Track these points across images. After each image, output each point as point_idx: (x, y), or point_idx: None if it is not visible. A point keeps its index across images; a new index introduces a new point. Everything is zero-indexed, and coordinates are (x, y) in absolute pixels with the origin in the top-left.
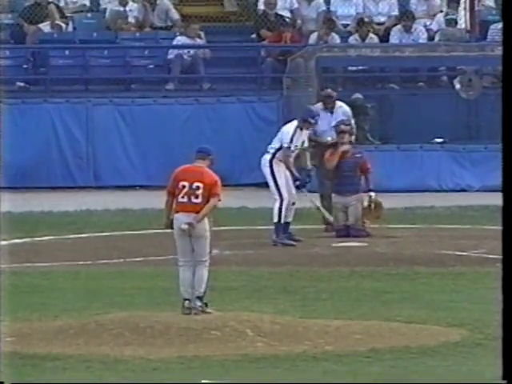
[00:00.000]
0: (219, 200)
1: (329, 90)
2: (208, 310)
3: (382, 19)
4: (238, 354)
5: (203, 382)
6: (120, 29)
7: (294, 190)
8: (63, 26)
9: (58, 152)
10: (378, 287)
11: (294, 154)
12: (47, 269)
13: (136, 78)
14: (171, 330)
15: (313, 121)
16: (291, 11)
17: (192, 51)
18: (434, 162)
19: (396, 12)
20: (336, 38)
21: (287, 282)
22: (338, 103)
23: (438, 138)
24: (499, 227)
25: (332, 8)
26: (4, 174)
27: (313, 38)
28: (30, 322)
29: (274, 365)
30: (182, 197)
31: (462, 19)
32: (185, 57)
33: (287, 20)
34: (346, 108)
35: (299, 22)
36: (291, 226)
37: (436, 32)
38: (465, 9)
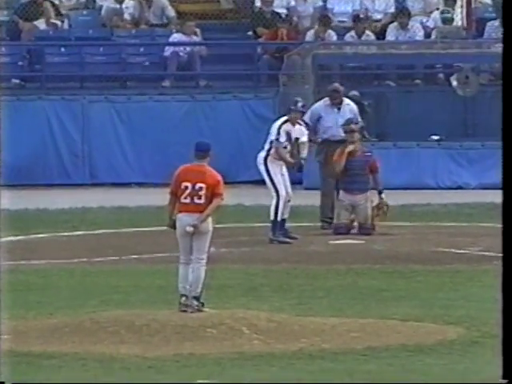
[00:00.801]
0: (222, 199)
1: (336, 85)
2: (204, 309)
3: (379, 16)
4: (234, 352)
5: (199, 381)
6: (116, 26)
7: (290, 189)
8: (59, 23)
9: (54, 149)
10: (375, 285)
11: (287, 150)
12: (43, 266)
13: (132, 75)
14: (167, 328)
15: (294, 107)
16: (287, 8)
17: (188, 48)
18: (430, 159)
19: (392, 9)
20: (332, 35)
21: (283, 279)
22: (346, 100)
23: (434, 135)
24: (496, 225)
25: (328, 5)
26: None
27: (309, 35)
28: (25, 319)
29: (270, 363)
30: (185, 198)
31: (459, 16)
32: (181, 54)
33: (283, 17)
34: (353, 106)
35: (295, 19)
36: (287, 224)
37: (432, 29)
38: (461, 6)
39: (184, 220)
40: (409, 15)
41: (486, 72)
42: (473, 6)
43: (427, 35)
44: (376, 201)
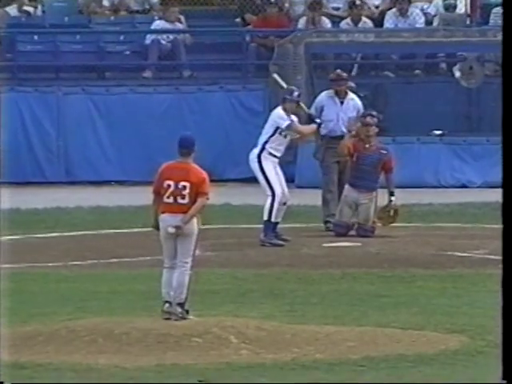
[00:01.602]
0: (207, 199)
1: (338, 71)
2: (189, 316)
3: (376, 2)
4: (221, 363)
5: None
6: (93, 12)
7: (286, 189)
8: (32, 9)
9: (27, 145)
10: (372, 290)
11: (286, 140)
12: (14, 270)
13: (111, 66)
14: (149, 337)
15: (290, 96)
16: None
17: (171, 36)
18: (432, 155)
19: None
20: (327, 23)
21: (274, 284)
22: (350, 94)
23: (436, 129)
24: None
25: None
26: None
27: (302, 22)
28: None
29: (259, 374)
30: (168, 197)
31: (462, 2)
32: (163, 42)
33: (274, 3)
34: (358, 102)
35: (287, 5)
36: (279, 225)
37: (434, 16)
38: None
39: (167, 221)
40: (409, 1)
41: (491, 62)
42: None
43: (428, 22)
44: (385, 203)
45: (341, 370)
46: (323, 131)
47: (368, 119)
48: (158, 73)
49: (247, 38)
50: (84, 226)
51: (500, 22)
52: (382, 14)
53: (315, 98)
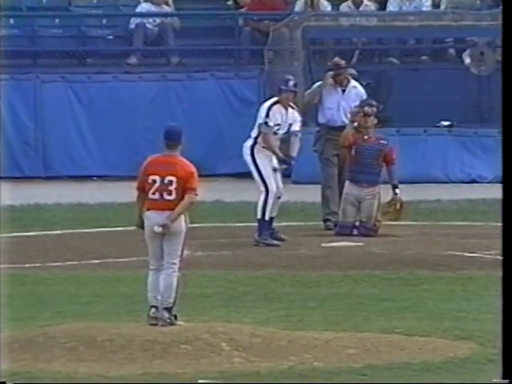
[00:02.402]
0: (196, 195)
1: (336, 59)
2: (178, 322)
3: None
4: (212, 372)
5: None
6: None
7: (281, 183)
8: None
9: (1, 136)
10: (375, 294)
11: (278, 137)
12: None
13: (93, 51)
14: (134, 344)
15: (285, 87)
16: None
17: (158, 20)
18: (439, 148)
19: None
20: (326, 5)
21: (269, 287)
22: (353, 82)
23: (444, 120)
24: None
25: None
26: None
27: (299, 4)
28: None
29: None
30: (153, 193)
31: None
32: (150, 26)
33: None
34: (361, 90)
35: None
36: (275, 223)
37: None
38: None
39: (152, 219)
40: None
41: None
42: None
43: (436, 5)
44: (389, 197)
45: (341, 379)
46: (322, 120)
47: (366, 109)
48: (144, 59)
49: (240, 22)
50: (64, 225)
51: None
52: None
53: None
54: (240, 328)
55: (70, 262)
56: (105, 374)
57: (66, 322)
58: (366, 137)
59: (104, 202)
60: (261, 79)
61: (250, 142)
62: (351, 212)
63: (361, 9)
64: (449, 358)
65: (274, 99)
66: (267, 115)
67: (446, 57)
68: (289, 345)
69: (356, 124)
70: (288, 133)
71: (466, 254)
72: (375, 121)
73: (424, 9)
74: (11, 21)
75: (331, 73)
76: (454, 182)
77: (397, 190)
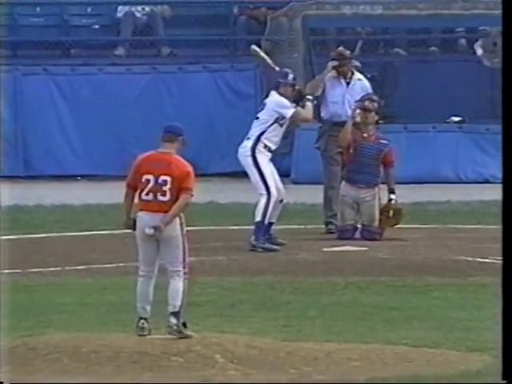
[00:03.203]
0: (192, 195)
1: (340, 48)
2: (187, 332)
3: None
4: None
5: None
6: None
7: (281, 184)
8: None
9: None
10: (380, 302)
11: (282, 130)
12: None
13: (77, 42)
14: (122, 356)
15: (284, 80)
16: None
17: (147, 8)
18: (449, 145)
19: None
20: None
21: (267, 295)
22: (357, 75)
23: (454, 116)
24: None
25: None
26: None
27: None
28: None
29: None
30: (147, 194)
31: None
32: (138, 15)
33: None
34: (366, 82)
35: None
36: (273, 226)
37: None
38: None
39: (145, 220)
40: None
41: None
42: None
43: None
44: (384, 202)
45: None
46: (325, 115)
47: (367, 104)
48: (132, 50)
49: (235, 10)
50: (46, 228)
51: None
52: None
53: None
54: (235, 339)
55: (52, 268)
56: None
57: (49, 332)
58: (365, 134)
59: (89, 204)
60: (257, 71)
61: (250, 143)
62: (350, 214)
63: None
64: (460, 371)
65: (276, 93)
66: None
67: (456, 48)
68: (287, 357)
69: (356, 119)
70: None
71: (478, 260)
72: (376, 117)
73: None
74: None
75: (334, 62)
76: (465, 183)
77: (392, 196)
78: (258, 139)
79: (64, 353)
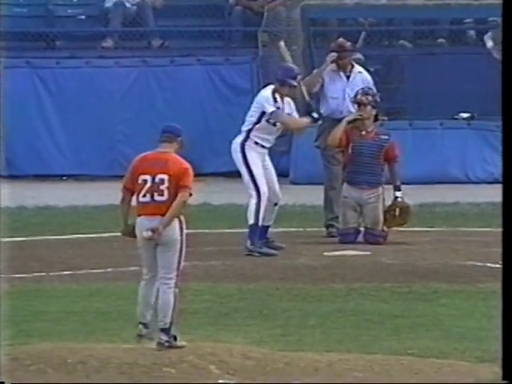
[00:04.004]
0: (190, 194)
1: (341, 40)
2: (179, 343)
3: None
4: None
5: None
6: None
7: (277, 186)
8: None
9: None
10: (385, 310)
11: (276, 129)
12: None
13: (62, 33)
14: (110, 367)
15: (294, 82)
16: None
17: None
18: (458, 143)
19: None
20: None
21: (264, 303)
22: (357, 67)
23: (463, 112)
24: None
25: None
26: None
27: None
28: None
29: None
30: (144, 195)
31: None
32: (128, 5)
33: None
34: (367, 75)
35: None
36: (270, 229)
37: None
38: None
39: (143, 225)
40: None
41: None
42: None
43: None
44: (390, 201)
45: None
46: (325, 112)
47: (359, 97)
48: (121, 42)
49: (230, 0)
50: (29, 231)
51: None
52: None
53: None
54: (230, 349)
55: (35, 274)
56: None
57: (32, 341)
58: (363, 132)
59: (75, 205)
60: (254, 65)
61: (240, 138)
62: (352, 217)
63: None
64: (469, 382)
65: (272, 87)
66: (275, 101)
67: (465, 40)
68: (286, 368)
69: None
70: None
71: (489, 265)
72: (373, 111)
73: None
74: None
75: (333, 54)
76: (474, 183)
77: (397, 194)
78: (247, 135)
79: (48, 363)
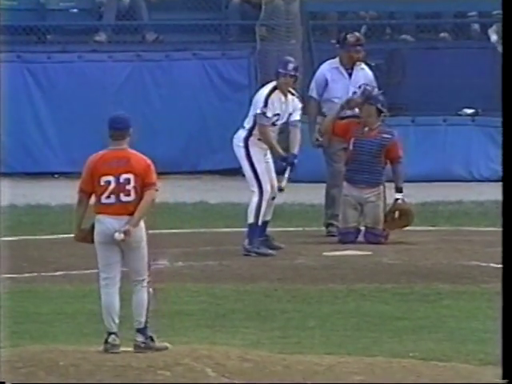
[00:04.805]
0: (156, 190)
1: (357, 34)
2: (157, 344)
3: None
4: None
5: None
6: None
7: (275, 181)
8: None
9: None
10: (386, 311)
11: (276, 128)
12: None
13: (54, 27)
14: (103, 370)
15: (284, 70)
16: None
17: None
18: (462, 140)
19: None
20: None
21: (262, 304)
22: (360, 64)
23: (467, 108)
24: None
25: None
26: None
27: None
28: None
29: None
30: (108, 197)
31: None
32: None
33: None
34: (368, 72)
35: None
36: (268, 228)
37: None
38: None
39: (108, 223)
40: None
41: None
42: None
43: None
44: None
45: None
46: (328, 111)
47: (353, 104)
48: (115, 36)
49: None
50: (20, 230)
51: None
52: None
53: (314, 70)
54: (227, 351)
55: (27, 274)
56: None
57: (23, 343)
58: (366, 129)
59: (67, 204)
60: (252, 59)
61: (243, 133)
62: (353, 216)
63: None
64: None
65: (272, 85)
66: (265, 104)
67: (468, 33)
68: (285, 371)
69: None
70: (287, 123)
71: (493, 265)
72: (371, 107)
73: None
74: None
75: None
76: (478, 181)
77: (397, 195)
78: (250, 132)
79: (40, 366)
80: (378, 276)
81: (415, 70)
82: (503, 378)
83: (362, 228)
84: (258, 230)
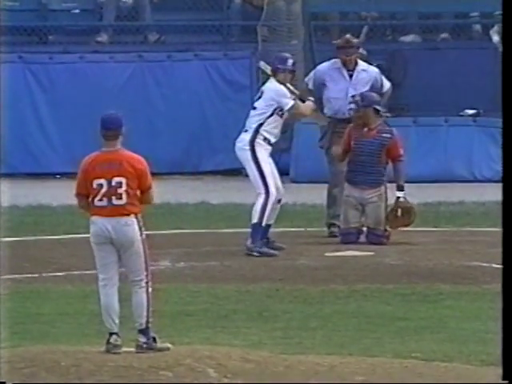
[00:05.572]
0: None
1: (348, 36)
2: (159, 345)
3: None
4: None
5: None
6: None
7: (280, 183)
8: None
9: None
10: (387, 312)
11: (282, 120)
12: None
13: (55, 27)
14: (104, 370)
15: (282, 66)
16: None
17: None
18: (463, 141)
19: None
20: None
21: (264, 304)
22: (361, 65)
23: (469, 108)
24: None
25: None
26: None
27: None
28: None
29: None
30: (100, 199)
31: None
32: None
33: None
34: (373, 70)
35: None
36: (270, 229)
37: None
38: None
39: (101, 224)
40: None
41: None
42: None
43: None
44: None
45: None
46: (328, 112)
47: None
48: (116, 36)
49: None
50: (21, 230)
51: None
52: None
53: (314, 67)
54: (229, 352)
55: (28, 275)
56: None
57: (24, 344)
58: (365, 129)
59: (68, 204)
60: (253, 60)
61: (248, 136)
62: (354, 216)
63: None
64: None
65: (275, 80)
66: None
67: (470, 34)
68: (286, 371)
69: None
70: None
71: (494, 266)
72: (369, 109)
73: None
74: None
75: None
76: (480, 181)
77: (399, 194)
78: (256, 131)
79: (41, 366)
80: (380, 276)
81: (417, 70)
82: (503, 379)
83: (365, 229)
84: (260, 231)
